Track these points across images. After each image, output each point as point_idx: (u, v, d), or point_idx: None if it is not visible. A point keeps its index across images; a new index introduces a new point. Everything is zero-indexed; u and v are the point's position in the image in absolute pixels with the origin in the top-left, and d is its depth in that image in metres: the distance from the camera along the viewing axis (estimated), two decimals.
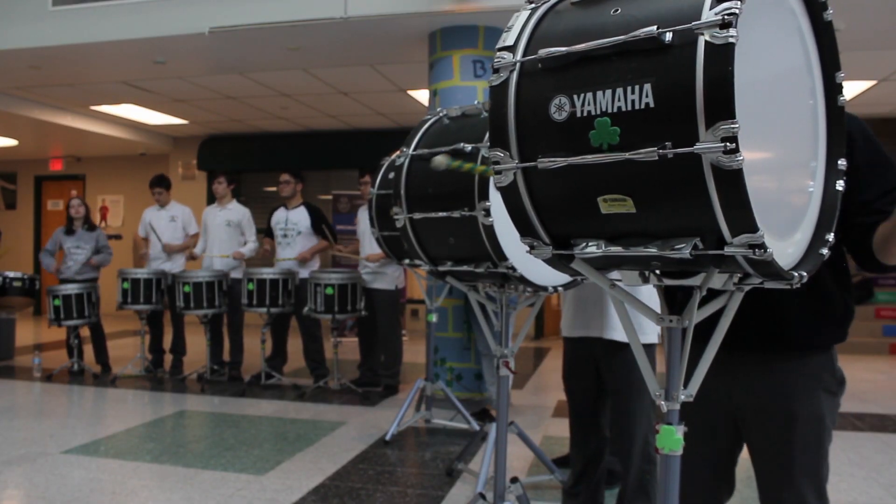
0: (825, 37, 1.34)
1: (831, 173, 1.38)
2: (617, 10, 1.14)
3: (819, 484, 1.62)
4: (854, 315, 1.66)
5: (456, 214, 2.01)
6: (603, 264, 1.27)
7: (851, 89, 6.62)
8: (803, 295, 1.59)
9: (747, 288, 1.29)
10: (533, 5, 1.28)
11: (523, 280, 2.03)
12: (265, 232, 5.97)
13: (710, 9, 1.01)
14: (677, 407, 1.28)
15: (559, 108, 1.14)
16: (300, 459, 3.83)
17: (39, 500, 3.18)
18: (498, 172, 1.21)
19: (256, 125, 9.09)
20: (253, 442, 4.17)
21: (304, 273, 5.61)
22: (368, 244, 5.18)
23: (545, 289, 2.09)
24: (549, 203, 1.21)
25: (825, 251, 1.29)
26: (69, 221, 6.23)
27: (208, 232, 6.08)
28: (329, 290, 5.17)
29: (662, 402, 1.27)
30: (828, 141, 1.39)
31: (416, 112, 7.66)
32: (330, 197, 9.31)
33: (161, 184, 6.26)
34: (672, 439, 1.26)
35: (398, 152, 2.27)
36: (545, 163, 1.15)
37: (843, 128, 1.38)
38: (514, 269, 1.98)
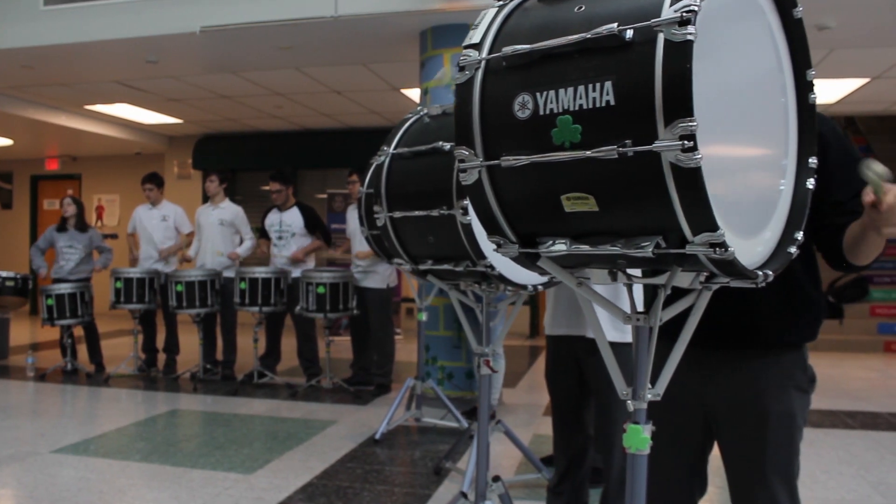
0: (795, 34, 1.33)
1: (802, 171, 1.38)
2: (581, 7, 1.13)
3: (790, 482, 1.62)
4: (825, 313, 1.66)
5: (435, 213, 2.01)
6: (570, 263, 1.27)
7: (845, 87, 6.62)
8: (776, 293, 1.59)
9: (715, 287, 1.29)
10: (501, 3, 1.27)
11: (502, 279, 2.02)
12: (260, 233, 5.97)
13: (670, 6, 1.00)
14: (644, 406, 1.28)
15: (522, 106, 1.13)
16: (289, 458, 3.83)
17: (27, 500, 3.18)
18: (462, 171, 1.21)
19: (251, 124, 9.09)
20: (243, 441, 4.17)
21: (296, 272, 5.61)
22: (359, 243, 5.18)
23: (525, 287, 2.09)
24: (514, 201, 1.21)
25: (794, 250, 1.29)
26: (62, 220, 6.23)
27: (202, 231, 6.08)
28: (321, 290, 5.17)
29: (629, 401, 1.27)
30: (799, 139, 1.38)
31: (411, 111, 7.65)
32: (325, 196, 9.32)
33: (152, 180, 6.24)
34: (639, 438, 1.26)
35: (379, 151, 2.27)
36: (509, 161, 1.15)
37: (814, 126, 1.38)
38: (492, 267, 1.97)
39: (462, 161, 1.21)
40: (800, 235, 1.31)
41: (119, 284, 5.85)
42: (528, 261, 1.24)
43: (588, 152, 1.05)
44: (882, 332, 7.93)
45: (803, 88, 1.37)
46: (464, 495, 2.32)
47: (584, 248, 1.14)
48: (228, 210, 6.05)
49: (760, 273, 1.15)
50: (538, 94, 1.11)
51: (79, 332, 6.34)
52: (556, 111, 1.09)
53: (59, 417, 4.86)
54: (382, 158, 2.24)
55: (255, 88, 7.10)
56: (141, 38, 5.40)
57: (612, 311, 1.29)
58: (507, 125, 1.15)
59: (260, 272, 5.52)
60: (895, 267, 8.57)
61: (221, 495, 3.25)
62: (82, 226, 6.29)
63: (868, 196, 1.28)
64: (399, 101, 7.62)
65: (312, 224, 5.81)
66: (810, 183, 1.37)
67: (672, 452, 1.74)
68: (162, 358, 6.29)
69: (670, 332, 1.72)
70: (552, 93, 1.10)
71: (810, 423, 5.00)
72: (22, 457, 3.79)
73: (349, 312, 5.30)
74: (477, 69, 1.20)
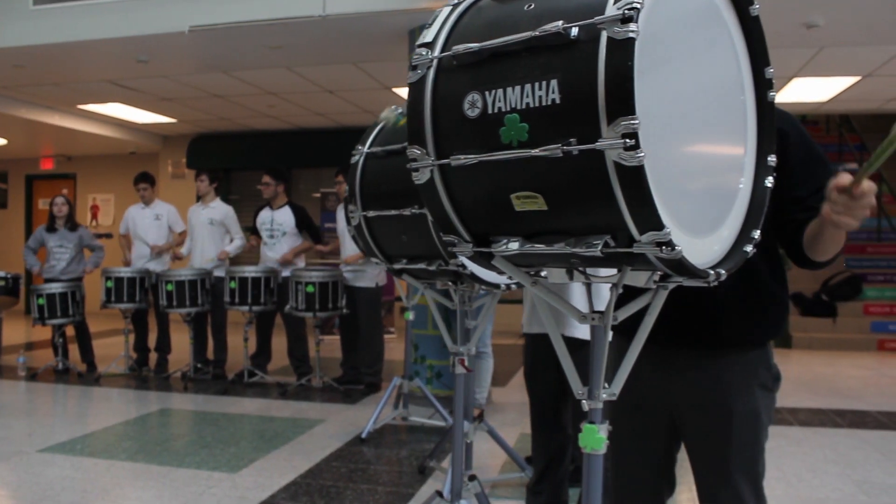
0: (753, 32, 1.33)
1: (761, 170, 1.37)
2: (531, 5, 1.13)
3: (755, 481, 1.62)
4: (789, 310, 1.66)
5: (407, 212, 2.00)
6: (525, 262, 1.27)
7: (836, 85, 6.61)
8: (740, 291, 1.59)
9: (671, 286, 1.29)
10: (455, 1, 1.27)
11: (474, 278, 2.02)
12: (251, 230, 5.97)
13: (614, 4, 1.00)
14: (600, 406, 1.28)
15: (472, 105, 1.13)
16: (275, 457, 3.83)
17: (10, 499, 3.18)
18: (415, 170, 1.21)
19: (245, 123, 9.08)
20: (230, 440, 4.17)
21: (286, 271, 5.61)
22: (349, 242, 5.18)
23: (497, 287, 2.09)
24: (466, 200, 1.20)
25: (750, 249, 1.29)
26: (51, 219, 6.22)
27: (193, 231, 6.08)
28: (310, 289, 5.17)
29: (584, 401, 1.27)
30: (758, 137, 1.38)
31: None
32: (319, 195, 9.31)
33: (145, 180, 6.24)
34: (594, 438, 1.26)
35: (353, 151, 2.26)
36: (459, 160, 1.15)
37: (772, 123, 1.37)
38: (464, 266, 1.97)
39: (414, 160, 1.20)
40: (757, 234, 1.31)
41: (110, 284, 5.85)
42: (483, 260, 1.24)
43: (534, 151, 1.05)
44: (875, 331, 7.92)
45: (762, 86, 1.36)
46: (439, 494, 2.32)
47: (536, 248, 1.14)
48: (218, 210, 6.04)
49: (712, 272, 1.15)
50: (487, 93, 1.11)
51: (71, 331, 6.34)
52: (504, 110, 1.09)
53: (48, 416, 4.86)
54: (357, 158, 2.24)
55: (248, 88, 7.10)
56: (130, 37, 5.39)
57: (567, 311, 1.29)
58: (458, 124, 1.15)
59: (250, 271, 5.52)
60: (889, 265, 8.57)
61: (205, 494, 3.25)
62: (72, 225, 6.29)
63: (843, 180, 1.23)
64: (392, 101, 7.61)
65: (303, 224, 5.81)
66: (769, 181, 1.36)
67: (639, 452, 1.74)
68: (153, 357, 6.29)
69: (635, 330, 1.72)
70: (500, 91, 1.10)
71: (799, 421, 5.00)
72: (8, 456, 3.79)
73: (338, 311, 5.30)
74: (429, 68, 1.20)
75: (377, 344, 5.46)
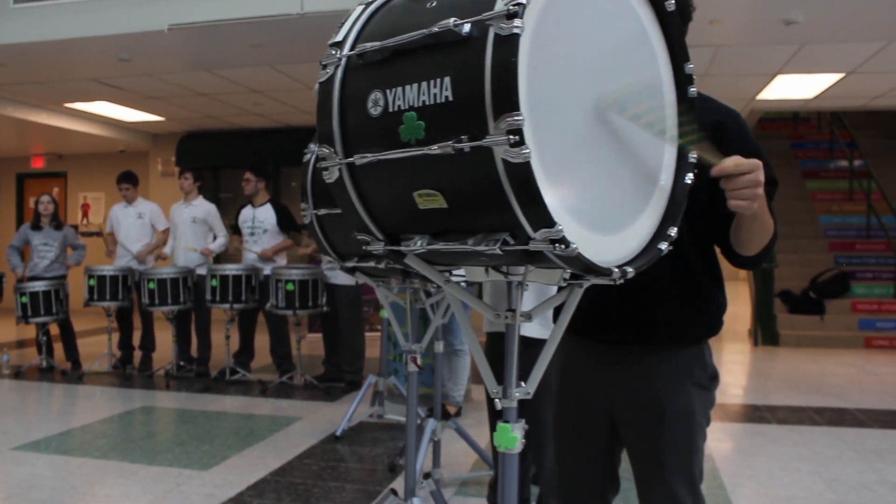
0: (671, 27, 1.33)
1: (682, 166, 1.37)
2: (433, 3, 1.13)
3: (692, 480, 1.61)
4: (726, 309, 1.66)
5: None
6: (440, 260, 1.26)
7: (820, 82, 6.60)
8: (674, 289, 1.59)
9: (586, 284, 1.28)
10: (367, 0, 1.27)
11: (422, 276, 2.02)
12: (233, 228, 5.98)
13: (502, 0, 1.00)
14: (514, 405, 1.28)
15: (375, 104, 1.13)
16: (248, 455, 3.84)
17: None
18: (324, 169, 1.21)
19: (233, 122, 9.08)
20: (205, 437, 4.18)
21: (267, 269, 5.61)
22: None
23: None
24: (375, 199, 1.20)
25: (664, 246, 1.28)
26: (36, 218, 6.24)
27: (176, 229, 6.09)
28: (290, 287, 5.17)
29: (497, 400, 1.27)
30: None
31: None
32: None
33: (128, 180, 6.25)
34: (507, 437, 1.26)
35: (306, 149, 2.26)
36: (363, 159, 1.15)
37: (694, 119, 1.37)
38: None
39: (323, 160, 1.21)
40: (673, 231, 1.31)
41: (92, 282, 5.85)
42: (395, 258, 1.24)
43: (431, 149, 1.05)
44: (863, 328, 7.91)
45: (682, 82, 1.36)
46: (393, 492, 2.32)
47: (441, 246, 1.14)
48: (201, 207, 6.05)
49: (616, 270, 1.15)
50: (388, 91, 1.11)
51: (57, 329, 6.34)
52: (402, 108, 1.09)
53: (27, 414, 4.87)
54: (308, 156, 2.24)
55: (232, 86, 7.09)
56: (111, 36, 5.39)
57: (481, 309, 1.29)
58: (363, 123, 1.15)
59: (231, 269, 5.53)
60: (877, 262, 8.56)
61: (173, 492, 3.26)
62: (58, 224, 6.31)
63: (713, 169, 1.29)
64: None
65: (285, 222, 5.81)
66: (689, 178, 1.36)
67: (581, 451, 1.74)
68: (138, 355, 6.29)
69: (575, 327, 1.72)
70: (399, 89, 1.10)
71: (777, 419, 4.99)
72: None
73: (319, 309, 5.30)
74: (337, 67, 1.20)
75: (358, 342, 5.46)
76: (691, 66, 1.36)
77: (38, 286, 5.97)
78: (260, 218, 5.75)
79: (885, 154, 9.63)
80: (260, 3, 4.92)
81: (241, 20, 5.01)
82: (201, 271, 5.86)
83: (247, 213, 5.83)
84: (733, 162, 1.26)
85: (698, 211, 1.56)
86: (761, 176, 1.28)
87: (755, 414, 4.92)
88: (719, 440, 4.26)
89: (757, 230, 1.43)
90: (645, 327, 1.60)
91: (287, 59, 5.99)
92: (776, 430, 4.48)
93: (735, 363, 7.32)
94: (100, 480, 3.43)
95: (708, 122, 1.57)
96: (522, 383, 1.30)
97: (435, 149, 1.04)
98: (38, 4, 5.44)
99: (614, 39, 1.24)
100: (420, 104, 1.07)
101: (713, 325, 1.63)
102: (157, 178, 10.16)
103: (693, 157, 1.37)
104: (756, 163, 1.27)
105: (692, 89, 1.37)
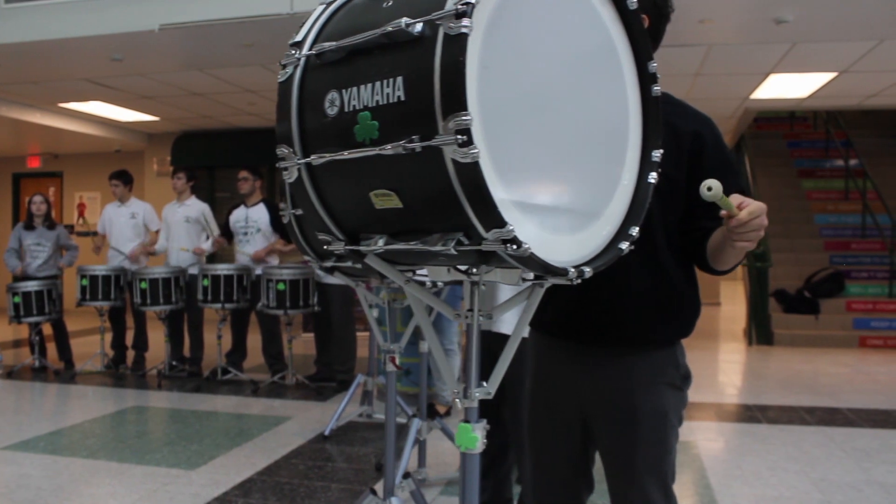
0: (634, 26, 1.33)
1: (645, 165, 1.37)
2: (389, 2, 1.13)
3: (664, 481, 1.61)
4: (700, 310, 1.66)
5: None
6: (401, 260, 1.27)
7: (813, 81, 6.59)
8: (648, 290, 1.59)
9: (547, 284, 1.29)
10: (328, 0, 1.27)
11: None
12: (222, 230, 5.98)
13: None
14: (475, 405, 1.28)
15: (331, 104, 1.13)
16: (236, 454, 3.84)
17: None
18: (284, 169, 1.21)
19: (228, 121, 9.09)
20: (195, 437, 4.18)
21: (259, 269, 5.62)
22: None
23: (422, 285, 2.08)
24: (334, 199, 1.20)
25: (625, 246, 1.28)
26: (29, 217, 6.24)
27: (169, 229, 6.09)
28: (281, 286, 5.17)
29: (457, 400, 1.27)
30: (643, 132, 1.37)
31: None
32: None
33: (119, 177, 6.24)
34: (468, 437, 1.26)
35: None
36: (320, 158, 1.15)
37: (658, 119, 1.37)
38: None
39: (283, 160, 1.21)
40: (635, 231, 1.31)
41: (85, 282, 5.85)
42: (356, 258, 1.24)
43: (384, 149, 1.05)
44: (858, 328, 7.91)
45: (646, 80, 1.36)
46: (373, 492, 2.32)
47: (398, 246, 1.14)
48: (194, 207, 6.05)
49: (572, 270, 1.15)
50: (344, 91, 1.11)
51: (50, 329, 6.35)
52: (357, 108, 1.09)
53: (18, 414, 4.87)
54: None
55: (225, 86, 7.10)
56: (103, 35, 5.39)
57: (441, 309, 1.29)
58: (320, 123, 1.15)
59: (222, 269, 5.53)
60: (872, 262, 8.56)
61: (159, 491, 3.26)
62: (51, 224, 6.31)
63: (723, 212, 1.32)
64: None
65: (278, 221, 5.81)
66: (652, 177, 1.36)
67: (555, 451, 1.74)
68: (131, 355, 6.30)
69: (550, 328, 1.72)
70: (355, 89, 1.10)
71: (767, 419, 4.99)
72: None
73: (310, 309, 5.30)
74: (296, 67, 1.20)
75: (349, 341, 5.47)
76: (654, 64, 1.36)
77: (31, 286, 5.98)
78: (253, 217, 5.75)
79: (880, 153, 9.63)
80: (250, 3, 4.93)
81: (231, 20, 5.01)
82: (193, 271, 5.86)
83: (239, 213, 5.83)
84: (747, 212, 1.28)
85: (674, 220, 1.57)
86: (766, 220, 1.31)
87: (746, 414, 4.92)
88: (709, 440, 4.26)
89: (737, 256, 1.45)
90: (617, 328, 1.60)
91: (278, 58, 5.96)
92: (766, 430, 4.48)
93: (729, 362, 7.32)
94: (86, 480, 3.43)
95: (686, 131, 1.58)
96: (484, 383, 1.30)
97: (388, 149, 1.04)
98: (31, 4, 5.45)
99: (575, 37, 1.23)
100: (374, 104, 1.07)
101: (686, 326, 1.64)
102: (152, 178, 10.17)
103: (657, 155, 1.37)
104: (763, 207, 1.30)
105: (656, 88, 1.37)
